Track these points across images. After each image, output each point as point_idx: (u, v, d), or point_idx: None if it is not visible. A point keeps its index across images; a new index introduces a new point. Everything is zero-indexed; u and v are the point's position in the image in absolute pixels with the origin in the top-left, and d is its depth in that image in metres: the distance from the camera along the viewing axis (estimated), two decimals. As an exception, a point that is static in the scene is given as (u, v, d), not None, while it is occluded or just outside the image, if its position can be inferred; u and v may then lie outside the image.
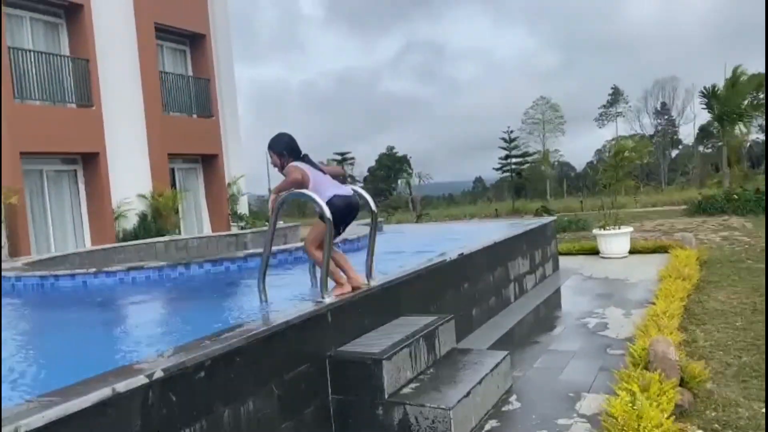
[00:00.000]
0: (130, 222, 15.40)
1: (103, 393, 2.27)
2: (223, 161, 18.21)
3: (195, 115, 17.82)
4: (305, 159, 4.10)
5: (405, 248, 7.36)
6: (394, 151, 54.89)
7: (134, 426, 2.40)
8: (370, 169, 55.10)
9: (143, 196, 15.75)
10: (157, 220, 15.56)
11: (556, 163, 56.83)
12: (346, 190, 4.07)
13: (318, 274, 4.09)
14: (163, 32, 16.97)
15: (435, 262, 5.24)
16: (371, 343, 3.82)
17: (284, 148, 4.09)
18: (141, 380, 2.43)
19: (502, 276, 6.88)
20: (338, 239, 4.56)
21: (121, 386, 2.35)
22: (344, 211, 3.96)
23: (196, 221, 17.86)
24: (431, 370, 4.00)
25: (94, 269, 5.79)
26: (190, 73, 18.16)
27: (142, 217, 15.56)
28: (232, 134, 19.10)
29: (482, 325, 6.05)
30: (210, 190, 18.20)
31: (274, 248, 6.37)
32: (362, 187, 4.63)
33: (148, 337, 3.80)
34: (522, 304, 7.11)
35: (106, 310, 4.86)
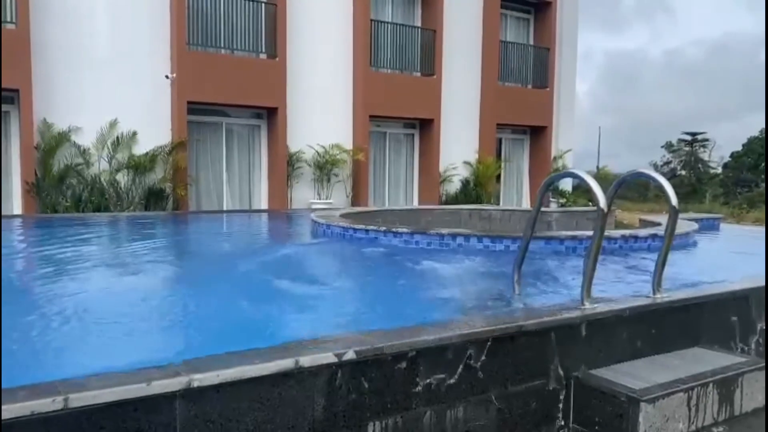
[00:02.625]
0: (454, 186, 16.14)
1: (284, 364, 2.17)
2: (551, 134, 17.59)
3: (529, 86, 17.54)
4: None
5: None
6: (770, 135, 45.59)
7: (316, 404, 2.27)
8: (733, 155, 47.07)
9: (468, 163, 16.29)
10: (478, 187, 15.96)
11: None
12: None
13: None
14: (510, 0, 16.96)
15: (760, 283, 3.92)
16: (636, 373, 3.00)
17: None
18: (328, 358, 2.27)
19: None
20: None
21: (306, 360, 2.22)
22: None
23: (516, 193, 17.78)
24: (720, 429, 2.97)
25: (384, 228, 6.07)
26: (531, 42, 17.85)
27: (465, 183, 16.15)
28: (566, 107, 18.26)
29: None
30: (534, 163, 17.85)
31: (563, 233, 5.72)
32: (669, 175, 3.67)
33: (359, 306, 3.75)
34: None
35: (361, 267, 5.05)
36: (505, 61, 16.92)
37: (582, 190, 19.38)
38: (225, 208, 13.34)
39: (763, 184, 38.94)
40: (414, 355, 2.48)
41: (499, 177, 17.15)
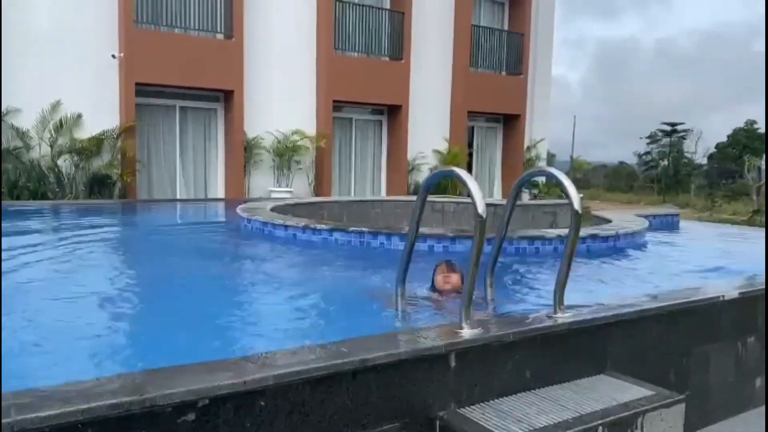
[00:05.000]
0: (423, 176, 15.59)
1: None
2: (524, 123, 17.06)
3: (503, 72, 16.98)
4: None
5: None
6: (755, 126, 45.34)
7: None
8: (718, 146, 46.82)
9: (438, 152, 15.76)
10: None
11: None
12: None
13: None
14: (483, -16, 16.37)
15: (689, 300, 3.44)
16: (516, 412, 2.51)
17: None
18: (70, 415, 1.75)
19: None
20: None
21: (33, 419, 1.70)
22: None
23: (488, 183, 17.28)
24: (612, 481, 2.49)
25: (303, 224, 5.55)
26: (506, 27, 17.25)
27: (434, 173, 15.62)
28: (541, 95, 17.73)
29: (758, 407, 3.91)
30: (507, 152, 17.34)
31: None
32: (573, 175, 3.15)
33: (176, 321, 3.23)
34: None
35: (240, 271, 4.52)
36: (477, 46, 16.33)
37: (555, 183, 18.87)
38: (178, 197, 12.76)
39: (749, 175, 38.68)
40: (206, 404, 1.97)
41: (470, 166, 16.64)
